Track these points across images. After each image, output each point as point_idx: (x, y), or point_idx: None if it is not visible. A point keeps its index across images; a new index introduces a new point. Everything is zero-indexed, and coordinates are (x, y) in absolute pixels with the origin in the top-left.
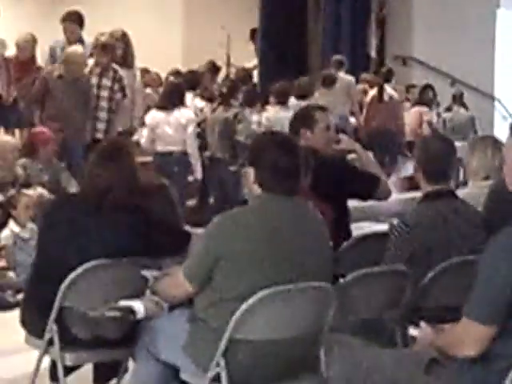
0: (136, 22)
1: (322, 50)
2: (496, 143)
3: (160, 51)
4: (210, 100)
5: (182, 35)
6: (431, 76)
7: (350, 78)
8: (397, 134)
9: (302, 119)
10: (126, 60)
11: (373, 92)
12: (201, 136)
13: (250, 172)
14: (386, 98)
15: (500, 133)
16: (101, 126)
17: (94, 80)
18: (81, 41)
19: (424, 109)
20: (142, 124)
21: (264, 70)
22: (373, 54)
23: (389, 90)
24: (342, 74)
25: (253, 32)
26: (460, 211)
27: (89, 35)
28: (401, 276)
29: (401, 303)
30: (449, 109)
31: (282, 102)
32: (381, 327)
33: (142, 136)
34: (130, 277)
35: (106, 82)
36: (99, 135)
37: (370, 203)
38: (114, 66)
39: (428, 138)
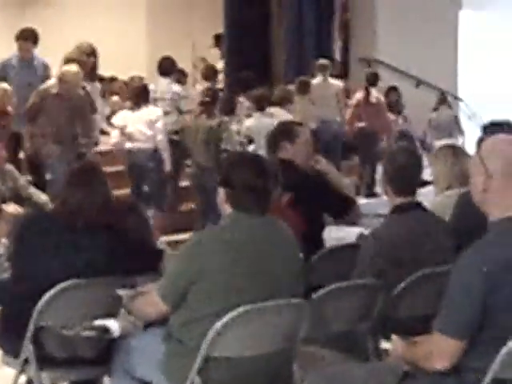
0: (98, 28)
1: (286, 54)
2: (456, 152)
3: (123, 57)
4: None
5: (145, 41)
6: (396, 78)
7: (340, 83)
8: (382, 135)
9: (284, 133)
10: (94, 74)
11: (359, 95)
12: (180, 144)
13: (221, 192)
14: (372, 100)
15: (466, 132)
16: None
17: None
18: (34, 58)
19: (392, 117)
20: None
21: (230, 74)
22: (337, 57)
23: (374, 92)
24: (330, 80)
25: (217, 38)
26: (428, 223)
27: (55, 42)
28: (372, 289)
29: (372, 316)
30: (435, 109)
31: (261, 108)
32: (353, 340)
33: (112, 137)
34: (105, 296)
35: None
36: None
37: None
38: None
39: (394, 151)
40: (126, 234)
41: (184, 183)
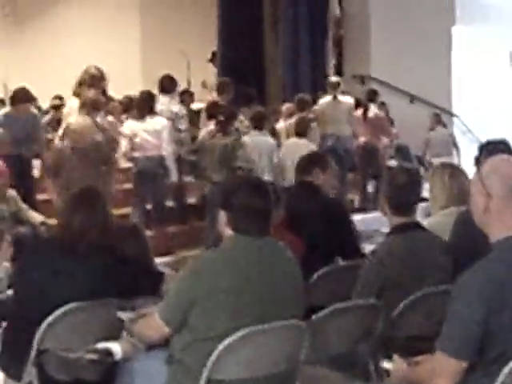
0: (93, 47)
1: (281, 71)
2: (453, 171)
3: (118, 76)
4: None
5: (140, 60)
6: (390, 94)
7: (351, 101)
8: (382, 150)
9: (318, 160)
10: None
11: (358, 112)
12: (196, 163)
13: (222, 214)
14: (371, 116)
15: (461, 148)
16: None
17: None
18: None
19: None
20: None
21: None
22: (331, 73)
23: (373, 108)
24: (341, 97)
25: (213, 54)
26: (427, 243)
27: (50, 64)
28: (372, 309)
29: (373, 336)
30: (432, 129)
31: (259, 127)
32: (354, 360)
33: (121, 147)
34: (107, 319)
35: None
36: None
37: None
38: None
39: (394, 171)
40: (127, 257)
41: (191, 200)
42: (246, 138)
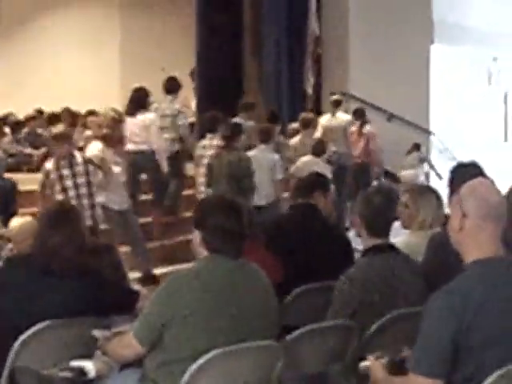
0: (72, 63)
1: (263, 87)
2: (438, 196)
3: (97, 92)
4: None
5: (119, 77)
6: (368, 112)
7: (348, 118)
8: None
9: (320, 183)
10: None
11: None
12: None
13: (196, 233)
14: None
15: (437, 166)
16: None
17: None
18: None
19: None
20: None
21: (202, 109)
22: (309, 90)
23: (367, 127)
24: (340, 114)
25: (192, 73)
26: (401, 264)
27: (29, 79)
28: (346, 330)
29: (345, 357)
30: (409, 152)
31: (266, 141)
32: (326, 381)
33: None
34: (81, 337)
35: None
36: None
37: None
38: None
39: (371, 193)
40: (101, 275)
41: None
42: (250, 153)
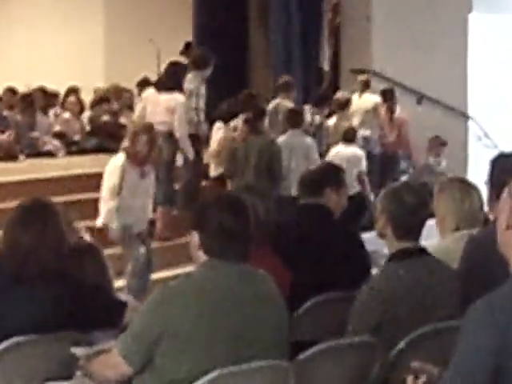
0: (53, 33)
1: (271, 63)
2: (464, 186)
3: (80, 67)
4: None
5: (104, 49)
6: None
7: (377, 100)
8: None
9: (331, 178)
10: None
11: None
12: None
13: (195, 236)
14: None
15: (474, 157)
16: None
17: None
18: None
19: None
20: None
21: None
22: (326, 67)
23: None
24: (367, 95)
25: (187, 45)
26: (434, 272)
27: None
28: (368, 348)
29: (369, 379)
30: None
31: (296, 126)
32: None
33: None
34: (58, 355)
35: None
36: None
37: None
38: None
39: (401, 189)
40: (83, 283)
41: None
42: (280, 139)
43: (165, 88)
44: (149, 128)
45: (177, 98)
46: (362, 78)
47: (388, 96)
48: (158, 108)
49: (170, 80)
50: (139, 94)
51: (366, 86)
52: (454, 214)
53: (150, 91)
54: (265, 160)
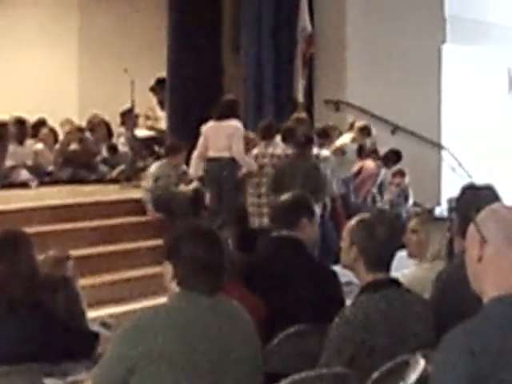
0: (24, 63)
1: (243, 91)
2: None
3: (53, 98)
4: None
5: (77, 80)
6: (369, 123)
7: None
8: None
9: (304, 208)
10: None
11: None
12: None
13: (167, 267)
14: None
15: (448, 187)
16: None
17: None
18: None
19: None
20: None
21: (173, 116)
22: (300, 97)
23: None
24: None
25: (158, 81)
26: (406, 302)
27: None
28: (341, 379)
29: None
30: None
31: (266, 137)
32: None
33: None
34: None
35: None
36: None
37: None
38: None
39: (372, 221)
40: (55, 314)
41: None
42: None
43: (222, 117)
44: None
45: (233, 124)
46: (361, 124)
47: (368, 132)
48: (220, 135)
49: (228, 110)
50: (122, 124)
51: (366, 133)
52: (438, 246)
53: (211, 123)
54: (310, 181)
